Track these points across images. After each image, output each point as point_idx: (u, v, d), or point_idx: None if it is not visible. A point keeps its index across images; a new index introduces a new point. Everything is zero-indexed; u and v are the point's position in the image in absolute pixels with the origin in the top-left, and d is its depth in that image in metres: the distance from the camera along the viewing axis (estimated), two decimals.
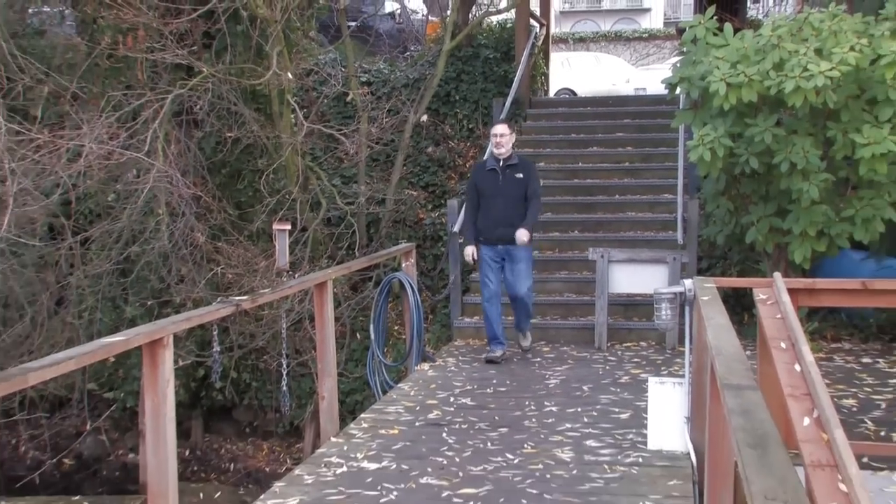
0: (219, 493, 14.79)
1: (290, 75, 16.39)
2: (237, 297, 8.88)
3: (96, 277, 15.71)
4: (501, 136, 12.53)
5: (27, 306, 15.46)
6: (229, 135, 16.34)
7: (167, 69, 15.91)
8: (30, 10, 17.61)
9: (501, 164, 12.58)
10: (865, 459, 7.61)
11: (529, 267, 12.71)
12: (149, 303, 15.62)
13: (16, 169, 14.07)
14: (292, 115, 16.40)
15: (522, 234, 12.09)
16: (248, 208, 16.58)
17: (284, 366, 12.13)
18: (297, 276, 13.24)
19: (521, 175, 12.47)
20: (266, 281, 14.48)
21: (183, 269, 15.47)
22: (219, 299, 9.36)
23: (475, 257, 12.76)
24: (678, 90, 13.41)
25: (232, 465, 16.47)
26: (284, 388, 12.44)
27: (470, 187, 13.02)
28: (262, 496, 7.93)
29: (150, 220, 15.13)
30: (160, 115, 15.19)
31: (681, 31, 14.34)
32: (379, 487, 7.88)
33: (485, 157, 14.88)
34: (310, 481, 8.11)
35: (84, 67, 16.23)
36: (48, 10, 17.62)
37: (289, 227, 12.28)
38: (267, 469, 15.90)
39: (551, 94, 23.82)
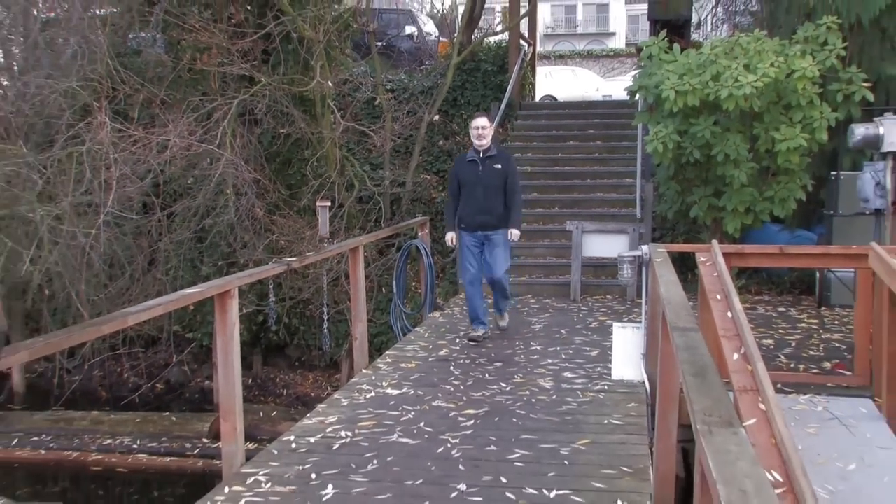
0: (274, 412, 14.85)
1: (329, 84, 16.44)
2: (288, 259, 8.94)
3: (179, 243, 15.79)
4: (483, 128, 10.66)
5: (126, 266, 15.54)
6: (282, 131, 16.41)
7: (234, 79, 15.96)
8: (130, 35, 17.61)
9: (481, 155, 10.62)
10: (779, 385, 7.67)
11: (507, 251, 10.82)
12: (219, 263, 15.73)
13: (118, 158, 14.19)
14: (332, 116, 16.40)
15: (515, 234, 10.66)
16: (297, 189, 16.62)
17: (325, 313, 12.28)
18: (335, 242, 13.26)
19: (499, 166, 10.59)
20: (311, 246, 14.56)
21: (245, 237, 15.55)
22: (273, 260, 9.40)
23: (454, 242, 11.05)
24: (637, 96, 13.42)
25: (285, 390, 16.53)
26: (325, 331, 12.60)
27: (451, 177, 11.18)
28: (308, 414, 8.00)
29: (220, 199, 15.20)
30: (228, 116, 15.26)
31: (639, 50, 14.27)
32: (400, 408, 7.95)
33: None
34: (346, 403, 8.17)
35: (170, 79, 16.30)
36: (143, 34, 17.62)
37: (329, 203, 12.34)
38: (312, 394, 15.94)
39: (537, 98, 23.72)
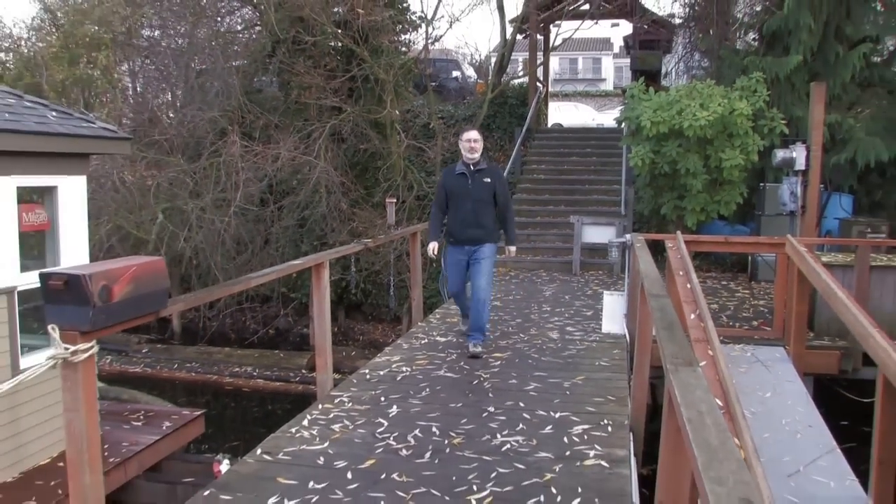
0: (353, 352, 14.93)
1: (397, 112, 16.49)
2: (365, 240, 8.98)
3: (285, 228, 15.94)
4: (475, 141, 8.07)
5: (249, 244, 15.72)
6: (361, 146, 16.51)
7: (327, 109, 16.08)
8: (255, 79, 17.81)
9: (472, 168, 8.06)
10: (722, 338, 7.66)
11: (491, 265, 8.22)
12: (314, 243, 15.85)
13: (244, 167, 14.36)
14: (398, 136, 16.45)
15: (512, 251, 8.44)
16: (371, 189, 16.70)
17: (391, 281, 12.31)
18: (399, 229, 13.34)
19: (489, 179, 8.05)
20: (381, 232, 14.65)
21: (333, 224, 15.65)
22: (354, 241, 9.43)
23: (435, 252, 8.46)
24: (623, 124, 13.57)
25: (360, 337, 16.62)
26: (391, 293, 12.64)
27: (439, 189, 8.38)
28: (378, 354, 8.03)
29: (315, 196, 15.31)
30: (322, 135, 15.39)
31: (624, 91, 14.34)
32: (445, 351, 7.96)
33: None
34: (406, 347, 8.19)
35: (282, 109, 16.45)
36: (264, 78, 17.83)
37: (395, 200, 12.33)
38: (380, 340, 16.02)
39: (549, 125, 23.64)
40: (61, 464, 7.64)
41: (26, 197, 7.61)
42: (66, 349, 3.29)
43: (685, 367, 2.75)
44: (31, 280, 7.49)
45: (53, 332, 3.29)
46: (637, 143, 12.61)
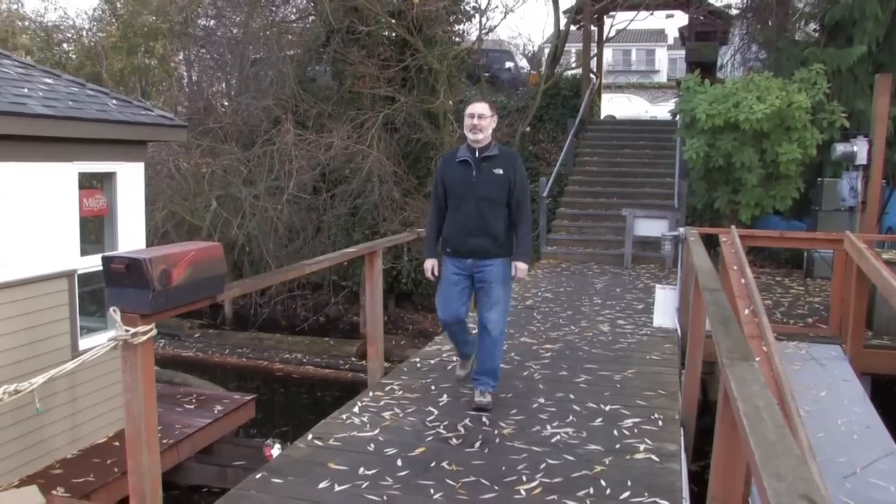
0: (403, 341, 14.97)
1: (450, 103, 16.46)
2: (418, 229, 9.01)
3: (338, 216, 16.03)
4: (480, 117, 5.79)
5: (301, 232, 15.84)
6: (414, 136, 16.52)
7: (380, 99, 16.11)
8: (308, 68, 17.93)
9: (477, 154, 5.85)
10: (775, 335, 7.56)
11: (506, 291, 5.92)
12: (366, 232, 15.88)
13: (297, 155, 14.46)
14: (450, 126, 16.44)
15: (522, 270, 5.90)
16: (424, 178, 16.67)
17: None
18: None
19: (500, 171, 5.82)
20: None
21: (385, 213, 15.68)
22: (407, 230, 9.47)
23: (434, 273, 6.20)
24: (677, 117, 13.44)
25: (410, 326, 16.65)
26: None
27: (436, 182, 6.17)
28: (428, 344, 8.08)
29: (368, 185, 15.35)
30: (376, 125, 15.43)
31: (679, 83, 14.23)
32: None
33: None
34: None
35: (335, 98, 16.52)
36: (318, 67, 17.93)
37: None
38: (430, 329, 16.01)
39: (602, 117, 23.47)
40: (117, 443, 7.81)
41: (87, 183, 7.76)
42: (127, 331, 3.36)
43: (741, 362, 2.72)
44: (89, 264, 7.65)
45: (115, 314, 3.36)
46: (691, 136, 12.47)
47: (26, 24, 25.11)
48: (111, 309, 3.38)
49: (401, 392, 6.28)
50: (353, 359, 13.99)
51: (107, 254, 3.59)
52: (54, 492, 6.66)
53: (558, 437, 5.20)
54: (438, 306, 6.01)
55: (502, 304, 5.84)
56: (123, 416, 7.79)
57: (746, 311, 5.08)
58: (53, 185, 7.29)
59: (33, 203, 7.10)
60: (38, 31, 24.34)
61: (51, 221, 7.26)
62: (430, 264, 6.15)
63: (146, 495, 3.69)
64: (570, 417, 5.60)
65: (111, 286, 3.45)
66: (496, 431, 5.32)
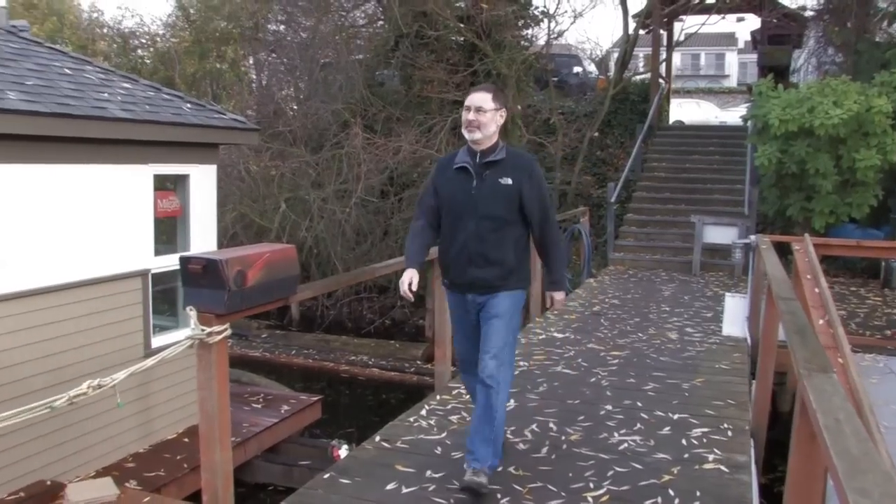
0: None
1: (518, 107, 16.45)
2: None
3: (405, 220, 16.08)
4: (478, 110, 4.40)
5: (369, 235, 15.97)
6: None
7: (449, 103, 16.15)
8: (377, 73, 18.09)
9: (478, 159, 4.46)
10: (851, 346, 7.40)
11: (510, 325, 4.52)
12: None
13: (366, 159, 14.59)
14: (519, 131, 16.42)
15: (559, 299, 4.78)
16: None
17: None
18: None
19: (508, 180, 4.39)
20: None
21: None
22: None
23: (413, 287, 4.48)
24: (749, 122, 13.20)
25: None
26: None
27: (426, 189, 4.80)
28: None
29: None
30: (444, 129, 15.47)
31: (750, 88, 13.99)
32: (563, 348, 7.94)
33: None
34: (523, 342, 8.18)
35: (403, 103, 16.64)
36: (386, 72, 18.07)
37: None
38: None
39: (670, 122, 23.20)
40: (187, 439, 7.97)
41: (161, 184, 7.94)
42: (203, 330, 3.42)
43: (819, 373, 2.67)
44: (162, 264, 7.83)
45: (191, 313, 3.42)
46: (763, 142, 12.26)
47: (105, 31, 25.82)
48: (187, 308, 3.45)
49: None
50: (419, 362, 14.02)
51: (184, 254, 3.66)
52: (127, 484, 6.82)
53: (626, 444, 5.15)
54: (455, 347, 4.87)
55: (501, 344, 4.40)
56: (193, 414, 7.98)
57: (821, 322, 4.98)
58: (130, 186, 7.47)
59: (111, 204, 7.28)
60: (116, 37, 24.99)
61: (127, 222, 7.44)
62: (407, 276, 4.46)
63: (218, 491, 3.76)
64: (638, 425, 5.54)
65: (188, 286, 3.52)
66: (563, 438, 5.29)
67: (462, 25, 15.98)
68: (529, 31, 18.38)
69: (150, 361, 3.32)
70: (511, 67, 16.03)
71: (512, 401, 6.11)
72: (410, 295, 4.47)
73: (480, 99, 4.42)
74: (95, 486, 6.42)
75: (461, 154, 4.54)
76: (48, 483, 6.69)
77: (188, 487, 7.20)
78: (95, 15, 27.21)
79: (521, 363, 7.26)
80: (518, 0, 17.27)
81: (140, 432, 7.74)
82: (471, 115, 4.40)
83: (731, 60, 58.31)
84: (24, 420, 2.84)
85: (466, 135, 4.42)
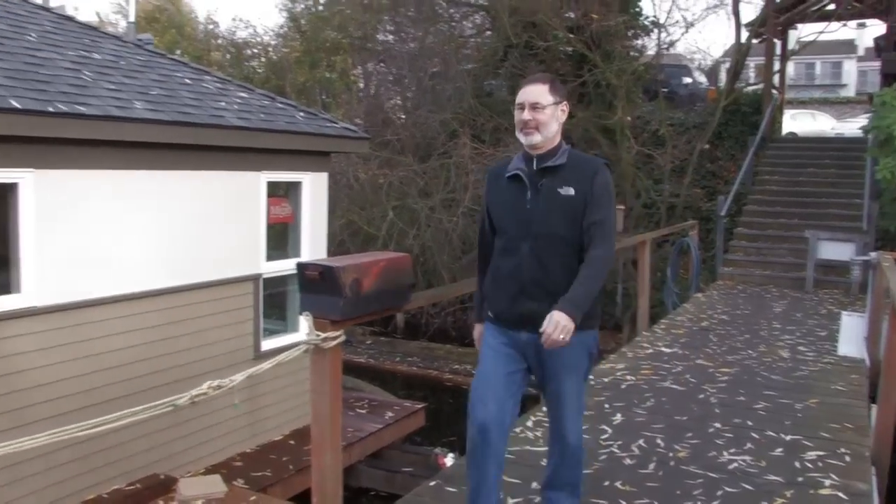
0: None
1: (628, 118, 16.31)
2: None
3: None
4: (535, 107, 3.52)
5: (475, 244, 16.08)
6: (591, 152, 16.43)
7: None
8: (485, 82, 18.21)
9: (534, 164, 3.58)
10: None
11: (580, 376, 3.68)
12: None
13: (474, 168, 14.66)
14: (628, 142, 16.28)
15: (560, 324, 3.24)
16: None
17: (619, 288, 12.15)
18: (627, 236, 13.10)
19: (570, 190, 3.51)
20: None
21: None
22: None
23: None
24: (869, 134, 12.75)
25: None
26: (618, 300, 12.47)
27: (481, 218, 3.93)
28: (602, 362, 7.97)
29: None
30: None
31: (871, 98, 13.48)
32: (670, 363, 7.82)
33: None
34: (630, 356, 8.11)
35: (511, 112, 16.69)
36: (494, 82, 18.18)
37: (623, 207, 12.26)
38: (601, 347, 15.86)
39: (783, 134, 22.59)
40: (292, 441, 8.17)
41: (273, 191, 8.17)
42: (318, 336, 3.51)
43: None
44: (273, 269, 8.05)
45: (307, 319, 3.51)
46: (886, 155, 11.80)
47: (219, 41, 26.72)
48: (303, 314, 3.54)
49: None
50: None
51: (302, 261, 3.77)
52: (235, 483, 7.03)
53: (736, 464, 5.04)
54: (472, 397, 3.69)
55: (577, 400, 3.71)
56: (299, 416, 8.16)
57: None
58: (244, 192, 7.72)
59: (226, 209, 7.53)
60: (230, 47, 25.82)
61: (241, 227, 7.69)
62: (478, 332, 3.91)
63: (328, 494, 3.83)
64: (748, 445, 5.42)
65: (305, 292, 3.62)
66: (671, 454, 5.22)
67: (571, 35, 15.94)
68: (639, 42, 18.22)
69: (267, 364, 3.42)
70: (620, 78, 15.92)
71: (619, 415, 6.06)
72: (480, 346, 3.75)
73: (536, 93, 3.59)
74: (205, 483, 6.64)
75: (515, 160, 3.73)
76: (162, 477, 6.96)
77: (293, 488, 7.38)
78: (211, 27, 28.18)
79: (628, 377, 7.19)
80: (629, 10, 17.13)
81: (248, 433, 7.96)
82: (525, 115, 3.57)
83: (850, 69, 56.31)
84: (145, 416, 2.97)
85: (523, 139, 3.61)
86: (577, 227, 3.50)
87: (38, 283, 6.10)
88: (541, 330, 3.30)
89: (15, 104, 5.61)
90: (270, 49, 25.43)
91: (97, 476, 6.58)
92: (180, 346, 7.19)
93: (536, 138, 3.54)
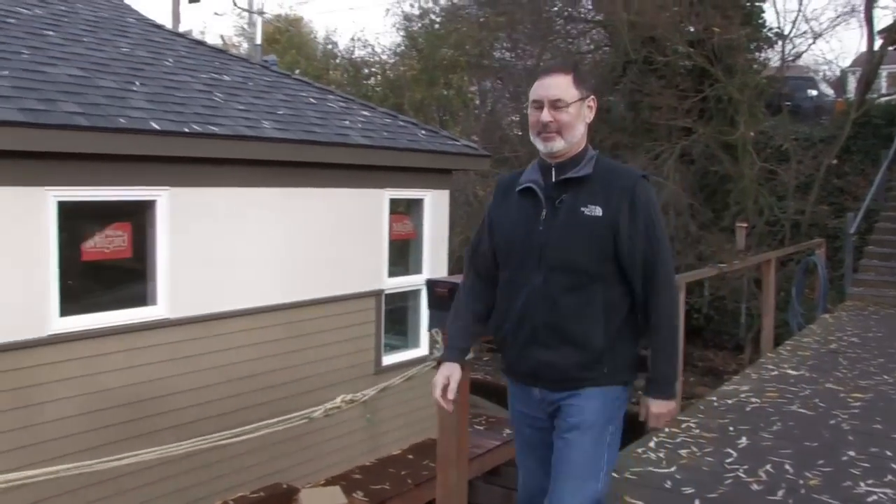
0: (692, 378, 14.63)
1: (750, 133, 15.96)
2: (720, 264, 8.78)
3: None
4: (555, 105, 2.78)
5: None
6: (712, 168, 16.20)
7: (676, 130, 15.95)
8: (602, 99, 18.16)
9: (553, 175, 2.86)
10: None
11: (601, 439, 2.88)
12: None
13: None
14: (750, 158, 15.93)
15: (658, 417, 3.08)
16: (720, 212, 16.32)
17: (744, 308, 11.85)
18: (749, 255, 12.80)
19: (597, 209, 2.78)
20: (728, 257, 14.25)
21: (679, 247, 15.45)
22: (709, 265, 9.23)
23: (450, 394, 3.02)
24: None
25: (700, 363, 16.20)
26: (743, 321, 12.18)
27: (476, 233, 3.20)
28: (725, 383, 7.82)
29: (663, 217, 15.25)
30: (672, 156, 15.28)
31: None
32: (797, 386, 7.58)
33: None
34: (754, 378, 7.91)
35: (630, 129, 16.59)
36: (612, 98, 18.10)
37: (745, 224, 11.99)
38: (720, 368, 15.57)
39: None
40: (411, 456, 8.28)
41: (395, 208, 8.34)
42: None
43: None
44: (394, 284, 8.22)
45: (436, 335, 3.58)
46: None
47: (338, 61, 27.42)
48: (433, 330, 3.61)
49: (697, 430, 6.15)
50: (640, 392, 13.83)
51: (431, 278, 3.85)
52: (354, 495, 7.17)
53: (875, 496, 4.85)
54: (519, 475, 3.26)
55: (594, 476, 2.89)
56: (417, 431, 8.27)
57: None
58: (367, 210, 7.91)
59: (349, 226, 7.74)
60: (348, 66, 26.44)
61: (364, 243, 7.88)
62: (441, 377, 3.07)
63: None
64: (889, 476, 5.20)
65: (434, 308, 3.69)
66: (801, 481, 5.07)
67: (692, 50, 15.72)
68: (762, 54, 17.82)
69: (397, 379, 3.51)
70: (743, 92, 15.61)
71: (744, 438, 5.93)
72: (445, 404, 3.08)
73: (557, 87, 2.84)
74: (326, 494, 6.82)
75: (530, 170, 3.01)
76: (284, 486, 7.17)
77: (412, 503, 7.48)
78: (330, 46, 28.93)
79: (753, 399, 7.03)
80: (752, 22, 16.80)
81: (368, 446, 8.12)
82: (544, 115, 2.84)
83: None
84: (281, 427, 3.09)
85: (540, 146, 2.90)
86: (603, 256, 2.83)
87: (171, 297, 6.39)
88: (649, 417, 3.05)
89: (154, 126, 5.91)
90: (388, 67, 25.95)
91: (223, 483, 6.84)
92: (301, 360, 7.41)
93: (558, 144, 2.86)
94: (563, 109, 2.81)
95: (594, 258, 2.81)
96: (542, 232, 2.85)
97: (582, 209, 2.81)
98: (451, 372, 3.07)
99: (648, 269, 2.85)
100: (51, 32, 7.35)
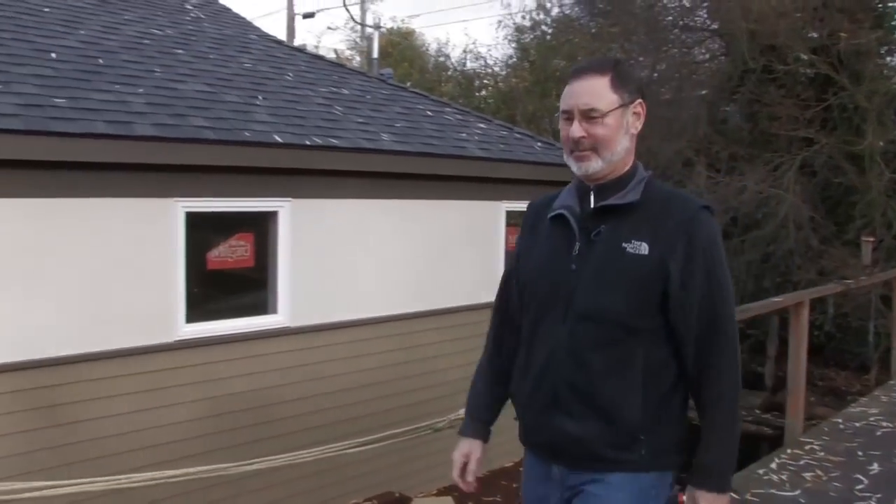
0: (812, 398, 14.05)
1: (879, 143, 15.36)
2: (847, 280, 8.50)
3: (748, 262, 15.58)
4: (588, 116, 2.19)
5: None
6: (835, 180, 15.65)
7: (797, 140, 15.50)
8: (719, 109, 17.86)
9: (591, 201, 2.28)
10: None
11: None
12: (777, 279, 15.32)
13: (708, 197, 14.30)
14: (878, 167, 15.33)
15: (706, 499, 2.22)
16: (844, 225, 15.71)
17: (872, 326, 11.40)
18: (875, 270, 12.31)
19: (643, 245, 2.19)
20: (853, 272, 13.74)
21: (799, 262, 15.01)
22: (834, 282, 8.92)
23: (466, 475, 2.56)
24: None
25: (820, 382, 15.64)
26: (871, 339, 11.70)
27: (507, 267, 2.61)
28: (852, 405, 7.59)
29: (782, 231, 14.81)
30: (792, 168, 14.85)
31: None
32: None
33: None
34: (885, 400, 7.64)
35: (748, 140, 16.22)
36: (728, 108, 17.75)
37: (872, 238, 11.54)
38: (843, 388, 15.00)
39: None
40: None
41: (512, 220, 8.35)
42: None
43: None
44: None
45: None
46: None
47: (450, 73, 27.64)
48: None
49: (822, 453, 5.96)
50: (757, 411, 13.49)
51: None
52: None
53: None
54: None
55: None
56: None
57: None
58: (484, 221, 7.94)
59: (465, 238, 7.78)
60: (461, 79, 26.61)
61: (480, 255, 7.91)
62: (460, 454, 2.64)
63: None
64: None
65: None
66: None
67: (815, 57, 15.24)
68: (893, 59, 17.10)
69: None
70: (871, 100, 15.01)
71: (875, 464, 5.70)
72: (464, 486, 2.63)
73: (589, 91, 2.27)
74: (437, 503, 6.84)
75: (565, 193, 2.45)
76: (397, 495, 7.23)
77: None
78: (442, 59, 29.18)
79: (884, 423, 6.77)
80: (883, 25, 16.16)
81: None
82: (574, 129, 2.28)
83: None
84: (406, 438, 3.11)
85: (574, 167, 2.35)
86: (646, 308, 2.25)
87: (291, 305, 6.54)
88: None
89: (277, 139, 6.08)
90: (500, 79, 26.01)
91: (335, 490, 6.95)
92: (417, 371, 7.47)
93: (595, 165, 2.29)
94: (598, 121, 2.25)
95: (635, 308, 2.24)
96: (573, 272, 2.30)
97: (624, 245, 2.25)
98: (470, 449, 2.61)
99: (707, 326, 2.24)
100: (180, 51, 7.65)
